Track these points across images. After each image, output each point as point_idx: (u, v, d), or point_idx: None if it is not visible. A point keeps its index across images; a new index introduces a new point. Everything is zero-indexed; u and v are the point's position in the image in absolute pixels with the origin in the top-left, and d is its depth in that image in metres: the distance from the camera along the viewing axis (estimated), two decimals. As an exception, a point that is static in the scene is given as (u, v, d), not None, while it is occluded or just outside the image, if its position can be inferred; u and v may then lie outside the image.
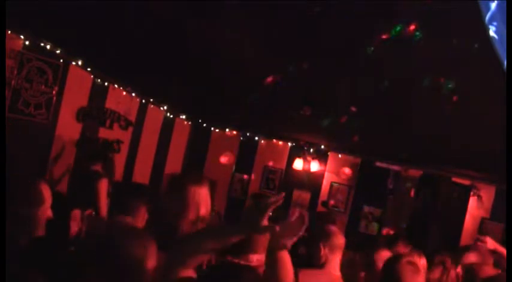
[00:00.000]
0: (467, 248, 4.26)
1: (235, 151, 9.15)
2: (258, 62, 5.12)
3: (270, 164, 9.00)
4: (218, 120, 8.99)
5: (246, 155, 9.11)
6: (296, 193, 8.66)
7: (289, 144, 8.87)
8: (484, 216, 7.75)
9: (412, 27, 3.62)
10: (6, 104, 5.77)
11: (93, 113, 7.13)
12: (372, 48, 4.02)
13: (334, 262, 3.22)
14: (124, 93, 7.54)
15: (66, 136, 6.71)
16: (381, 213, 8.32)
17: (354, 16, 3.64)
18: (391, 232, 7.67)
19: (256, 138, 9.02)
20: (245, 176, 9.11)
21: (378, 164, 8.13)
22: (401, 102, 5.21)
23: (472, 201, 7.82)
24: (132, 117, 7.85)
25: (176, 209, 2.28)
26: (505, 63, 3.03)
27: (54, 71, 6.34)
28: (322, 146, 8.51)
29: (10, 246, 2.09)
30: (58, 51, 6.25)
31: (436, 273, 4.00)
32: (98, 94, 7.12)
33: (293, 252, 2.00)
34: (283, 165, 8.94)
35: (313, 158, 8.49)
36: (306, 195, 8.69)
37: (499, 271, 3.72)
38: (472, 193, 7.78)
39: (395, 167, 8.12)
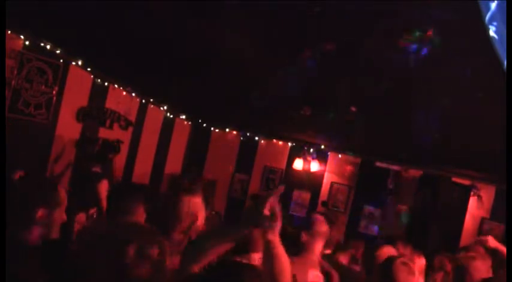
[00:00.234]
0: (467, 248, 4.25)
1: (235, 151, 9.17)
2: (258, 62, 5.12)
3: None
4: (218, 120, 9.00)
5: (246, 155, 9.12)
6: (296, 193, 8.67)
7: (289, 144, 8.88)
8: (484, 216, 7.76)
9: (429, 33, 3.60)
10: (6, 104, 5.77)
11: (93, 113, 7.13)
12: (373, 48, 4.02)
13: (316, 248, 3.28)
14: (124, 93, 7.55)
15: (66, 136, 6.72)
16: (380, 213, 8.33)
17: (353, 16, 3.64)
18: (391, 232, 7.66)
19: (256, 138, 9.02)
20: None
21: (378, 164, 8.13)
22: (401, 102, 5.21)
23: (472, 201, 7.82)
24: (132, 117, 7.85)
25: (168, 219, 2.32)
26: (505, 63, 3.02)
27: (54, 71, 6.35)
28: (322, 146, 8.52)
29: (20, 247, 2.10)
30: (58, 51, 6.26)
31: (438, 279, 4.02)
32: (98, 94, 7.13)
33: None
34: (283, 165, 8.95)
35: (313, 158, 8.50)
36: (306, 195, 8.69)
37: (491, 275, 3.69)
38: (472, 193, 7.79)
39: (395, 167, 8.13)
